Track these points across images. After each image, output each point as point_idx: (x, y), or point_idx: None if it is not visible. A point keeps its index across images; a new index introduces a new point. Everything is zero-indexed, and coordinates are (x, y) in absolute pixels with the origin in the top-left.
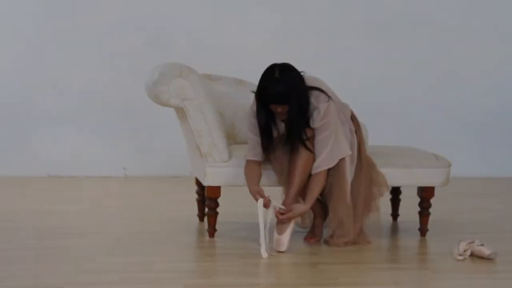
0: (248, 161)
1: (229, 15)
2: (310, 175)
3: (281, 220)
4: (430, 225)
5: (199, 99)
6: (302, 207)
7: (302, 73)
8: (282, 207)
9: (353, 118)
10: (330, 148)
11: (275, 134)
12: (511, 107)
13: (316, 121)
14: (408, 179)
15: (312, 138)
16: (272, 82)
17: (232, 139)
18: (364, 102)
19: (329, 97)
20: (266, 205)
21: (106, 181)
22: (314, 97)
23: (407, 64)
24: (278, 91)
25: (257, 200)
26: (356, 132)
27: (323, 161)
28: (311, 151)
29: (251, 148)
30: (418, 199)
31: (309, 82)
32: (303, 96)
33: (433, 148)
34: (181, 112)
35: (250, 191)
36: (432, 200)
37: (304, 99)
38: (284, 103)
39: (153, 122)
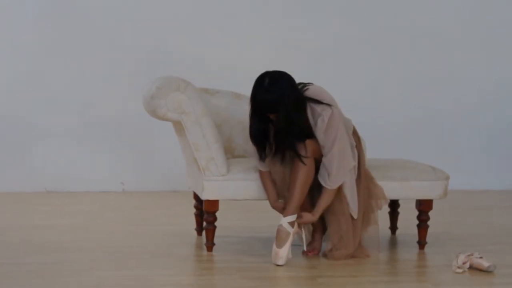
0: (260, 172)
1: (226, 30)
2: (311, 188)
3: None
4: (428, 238)
5: (196, 113)
6: (311, 217)
7: (309, 84)
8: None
9: (354, 132)
10: (339, 163)
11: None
12: (508, 121)
13: (320, 130)
14: (406, 192)
15: (314, 151)
16: (261, 91)
17: (230, 153)
18: (361, 114)
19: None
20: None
21: (104, 196)
22: (317, 106)
23: (404, 76)
24: (266, 100)
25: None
26: (356, 146)
27: (336, 178)
28: (304, 163)
29: (258, 158)
30: (416, 212)
31: (312, 93)
32: (294, 108)
33: (430, 161)
34: (178, 126)
35: (274, 207)
36: (430, 213)
37: (296, 110)
38: (272, 112)
39: (151, 137)
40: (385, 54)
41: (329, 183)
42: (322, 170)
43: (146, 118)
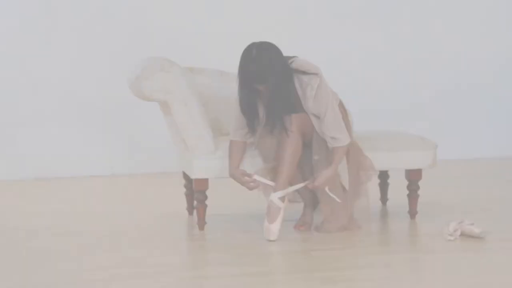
0: (231, 142)
1: (211, 6)
2: (300, 162)
3: (315, 188)
4: (419, 208)
5: (182, 92)
6: (329, 171)
7: (294, 57)
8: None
9: (341, 105)
10: (338, 123)
11: (260, 113)
12: (493, 88)
13: (310, 98)
14: (395, 162)
15: (301, 126)
16: (249, 62)
17: (217, 131)
18: (348, 86)
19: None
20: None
21: (94, 180)
22: (305, 76)
23: (390, 47)
24: (254, 71)
25: (249, 187)
26: (343, 118)
27: (341, 138)
28: (287, 135)
29: (236, 128)
30: (406, 182)
31: (298, 65)
32: (282, 78)
33: (419, 131)
34: (165, 106)
35: (231, 175)
36: (420, 183)
37: (284, 80)
38: (261, 83)
39: (139, 119)
40: (368, 23)
41: (336, 143)
42: (324, 135)
43: (134, 100)
